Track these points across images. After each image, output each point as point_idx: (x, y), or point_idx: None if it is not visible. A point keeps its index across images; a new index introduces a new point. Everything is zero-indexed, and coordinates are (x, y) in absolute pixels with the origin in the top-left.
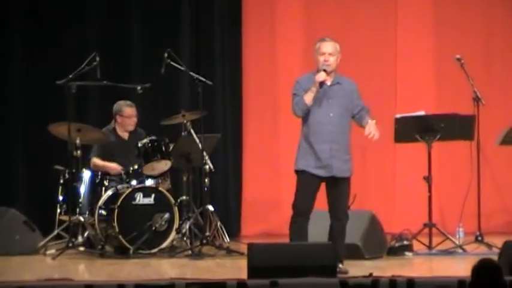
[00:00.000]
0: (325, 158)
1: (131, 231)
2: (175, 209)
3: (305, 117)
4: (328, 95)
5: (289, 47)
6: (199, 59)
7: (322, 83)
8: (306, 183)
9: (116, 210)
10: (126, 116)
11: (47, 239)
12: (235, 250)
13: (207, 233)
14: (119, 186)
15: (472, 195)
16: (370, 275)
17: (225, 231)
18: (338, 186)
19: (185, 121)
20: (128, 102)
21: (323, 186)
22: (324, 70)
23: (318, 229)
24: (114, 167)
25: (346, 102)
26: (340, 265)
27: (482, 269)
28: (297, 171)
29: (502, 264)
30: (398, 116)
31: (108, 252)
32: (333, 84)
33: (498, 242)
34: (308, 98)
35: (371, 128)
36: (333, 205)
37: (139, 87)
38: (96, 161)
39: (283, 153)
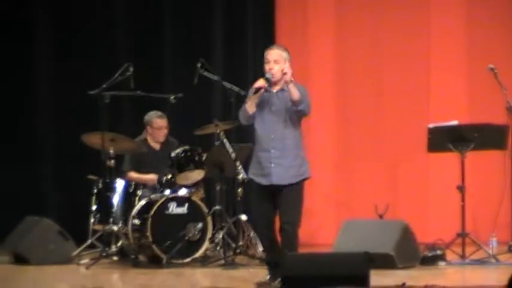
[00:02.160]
0: (266, 167)
1: (164, 240)
2: (209, 218)
3: (252, 125)
4: (270, 102)
5: (320, 56)
6: (232, 69)
7: (258, 90)
8: (255, 192)
9: (149, 220)
10: (157, 128)
11: (81, 248)
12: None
13: (240, 243)
14: (152, 196)
15: (506, 205)
16: (403, 284)
17: (258, 241)
18: (282, 194)
19: (218, 131)
20: (159, 113)
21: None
22: (267, 78)
23: (349, 239)
24: (151, 178)
25: (289, 108)
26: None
27: None
28: (248, 180)
29: None
30: (431, 125)
31: (141, 262)
32: (277, 91)
33: None
34: (248, 106)
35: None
36: (279, 213)
37: (172, 97)
38: (132, 174)
39: (313, 162)
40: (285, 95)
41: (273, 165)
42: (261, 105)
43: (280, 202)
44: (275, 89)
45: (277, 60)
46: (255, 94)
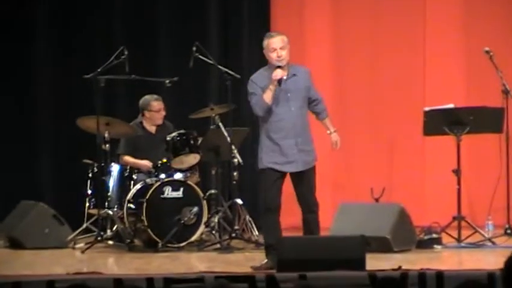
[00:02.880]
0: (292, 154)
1: (160, 224)
2: (204, 202)
3: (266, 115)
4: (286, 90)
5: (316, 41)
6: (228, 53)
7: (280, 80)
8: (273, 179)
9: (145, 204)
10: (155, 111)
11: (76, 232)
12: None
13: (236, 227)
14: (148, 180)
15: (501, 188)
16: (399, 268)
17: (253, 225)
18: (305, 178)
19: (213, 115)
20: (155, 96)
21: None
22: (278, 66)
23: (345, 222)
24: (145, 163)
25: (304, 93)
26: None
27: None
28: (263, 169)
29: None
30: (427, 108)
31: (137, 246)
32: (289, 78)
33: None
34: (267, 97)
35: (336, 139)
36: (303, 198)
37: (167, 81)
38: (127, 158)
39: None
40: (296, 79)
41: (299, 152)
42: (276, 94)
43: (304, 186)
44: (285, 76)
45: (282, 47)
46: (279, 86)
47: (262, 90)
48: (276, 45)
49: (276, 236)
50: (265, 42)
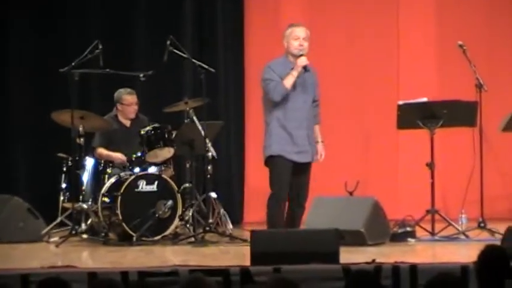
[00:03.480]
0: (303, 144)
1: (134, 218)
2: (179, 196)
3: (280, 102)
4: (303, 81)
5: None
6: (202, 46)
7: (305, 68)
8: (282, 168)
9: (119, 198)
10: (127, 104)
11: (50, 226)
12: (238, 237)
13: (210, 220)
14: (122, 174)
15: (475, 182)
16: (373, 261)
17: (228, 218)
18: (305, 173)
19: (188, 108)
20: (128, 90)
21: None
22: (302, 55)
23: (319, 215)
24: (118, 156)
25: (313, 89)
26: None
27: (489, 254)
28: (272, 157)
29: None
30: (401, 102)
31: (111, 240)
32: (307, 71)
33: (501, 228)
34: (288, 82)
35: (321, 150)
36: (298, 190)
37: (141, 75)
38: (101, 151)
39: None
40: (310, 75)
41: (309, 143)
42: (294, 84)
43: (302, 180)
44: (308, 64)
45: (305, 38)
46: (304, 72)
47: (280, 77)
48: (299, 34)
49: (281, 223)
50: (289, 31)
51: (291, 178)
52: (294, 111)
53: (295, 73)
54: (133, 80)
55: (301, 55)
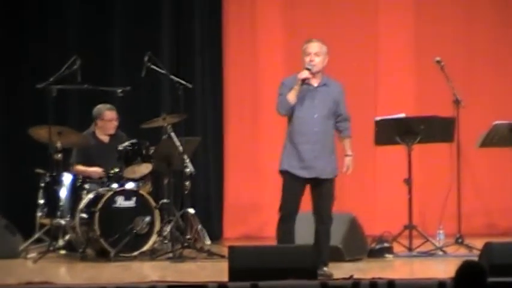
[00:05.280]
0: (308, 159)
1: (112, 234)
2: (156, 212)
3: (290, 117)
4: (313, 96)
5: (270, 48)
6: (180, 62)
7: (304, 81)
8: (290, 184)
9: (97, 214)
10: (107, 120)
11: (28, 242)
12: (216, 253)
13: (188, 236)
14: (100, 190)
15: (452, 197)
16: (351, 277)
17: (206, 234)
18: (321, 188)
19: (166, 124)
20: (108, 105)
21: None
22: (308, 69)
23: (304, 231)
24: (95, 170)
25: (331, 105)
26: (325, 268)
27: (467, 270)
28: (281, 172)
29: None
30: (378, 118)
31: (89, 256)
32: (319, 86)
33: (478, 243)
34: (291, 96)
35: (349, 164)
36: (317, 208)
37: (119, 91)
38: (79, 167)
39: (264, 156)
40: (327, 90)
41: (315, 158)
42: (302, 99)
43: (319, 196)
44: (316, 83)
45: (317, 53)
46: (301, 85)
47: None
48: (311, 50)
49: (288, 242)
50: (304, 46)
51: (311, 195)
52: (300, 125)
53: (296, 87)
54: (111, 95)
55: (307, 69)
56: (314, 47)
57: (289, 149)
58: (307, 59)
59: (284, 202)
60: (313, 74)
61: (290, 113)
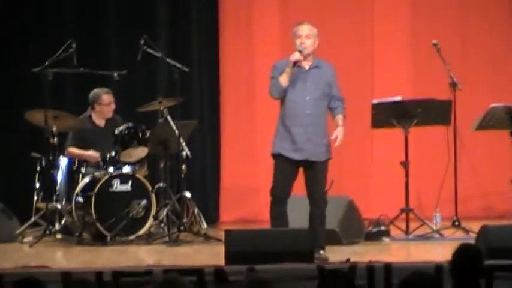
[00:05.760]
0: (300, 141)
1: (108, 218)
2: (153, 195)
3: (282, 100)
4: (305, 79)
5: (266, 33)
6: (176, 46)
7: (295, 63)
8: (282, 167)
9: (93, 197)
10: (105, 104)
11: (24, 226)
12: (212, 236)
13: (185, 220)
14: (96, 173)
15: (449, 181)
16: (348, 260)
17: (202, 218)
18: (314, 171)
19: (162, 108)
20: (105, 89)
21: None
22: (299, 51)
23: (298, 215)
24: (91, 154)
25: (323, 87)
26: (321, 251)
27: (464, 253)
28: (273, 155)
29: None
30: (375, 101)
31: (85, 240)
32: (311, 68)
33: (475, 226)
34: (283, 79)
35: (339, 133)
36: (310, 191)
37: (115, 74)
38: (73, 150)
39: (260, 140)
40: (319, 72)
41: (307, 141)
42: (294, 81)
43: (312, 179)
44: (307, 66)
45: (308, 35)
46: (292, 68)
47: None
48: (302, 32)
49: (281, 224)
50: (294, 29)
51: (304, 178)
52: (292, 108)
53: (288, 69)
54: (107, 79)
55: (299, 51)
56: (304, 29)
57: (282, 132)
58: (298, 41)
59: (275, 185)
60: (305, 57)
61: (283, 96)
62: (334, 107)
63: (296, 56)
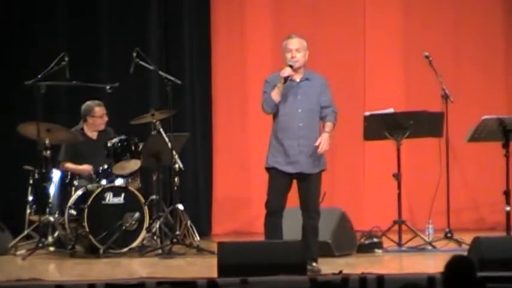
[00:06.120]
0: (293, 154)
1: (101, 230)
2: (145, 208)
3: (275, 114)
4: (296, 91)
5: (258, 45)
6: (168, 58)
7: (287, 78)
8: (276, 180)
9: (86, 210)
10: (98, 116)
11: (17, 239)
12: (205, 249)
13: (177, 232)
14: (89, 186)
15: (441, 192)
16: (340, 272)
17: (195, 230)
18: (308, 183)
19: (154, 120)
20: (97, 101)
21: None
22: (291, 66)
23: (291, 226)
24: (85, 168)
25: (315, 98)
26: (314, 264)
27: (456, 265)
28: (267, 169)
29: None
30: (367, 113)
31: (78, 252)
32: (301, 80)
33: (467, 238)
34: (275, 94)
35: (323, 139)
36: (303, 203)
37: (108, 87)
38: (68, 165)
39: (252, 152)
40: (309, 84)
41: (300, 153)
42: (285, 95)
43: (306, 191)
44: (298, 78)
45: (298, 49)
46: (284, 83)
47: (272, 89)
48: (292, 46)
49: (276, 237)
50: (284, 43)
51: (298, 190)
52: (284, 121)
53: (279, 84)
54: (100, 92)
55: (290, 66)
56: (294, 43)
57: (275, 145)
58: (289, 55)
59: (270, 198)
60: (296, 70)
61: (275, 111)
62: (324, 116)
63: (287, 71)
